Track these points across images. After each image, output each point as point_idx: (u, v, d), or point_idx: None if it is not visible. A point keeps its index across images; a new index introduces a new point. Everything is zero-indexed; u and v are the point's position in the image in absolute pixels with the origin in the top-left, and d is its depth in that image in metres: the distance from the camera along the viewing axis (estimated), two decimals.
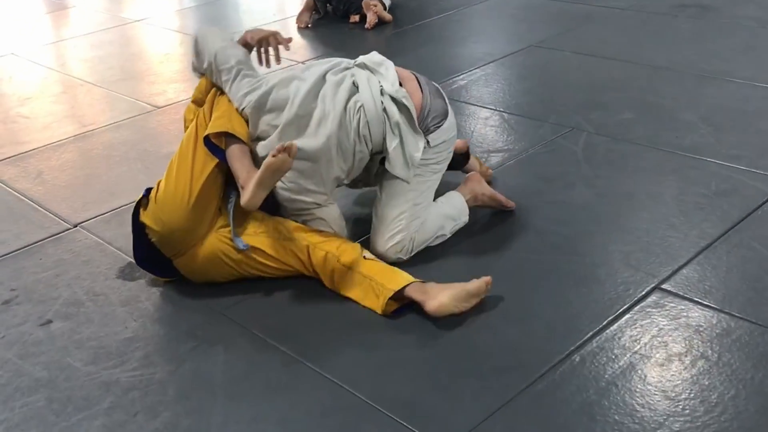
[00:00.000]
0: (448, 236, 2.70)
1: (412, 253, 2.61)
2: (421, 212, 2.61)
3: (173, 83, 4.47)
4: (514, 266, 2.56)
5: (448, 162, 2.69)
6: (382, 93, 2.53)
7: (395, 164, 2.54)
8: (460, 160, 2.93)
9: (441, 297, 2.31)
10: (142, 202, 2.55)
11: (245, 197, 2.38)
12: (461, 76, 4.16)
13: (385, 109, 2.52)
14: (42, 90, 4.58)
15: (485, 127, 3.58)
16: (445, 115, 2.61)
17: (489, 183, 2.93)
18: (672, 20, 4.74)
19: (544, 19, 5.01)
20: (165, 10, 6.16)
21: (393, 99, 2.52)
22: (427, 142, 2.56)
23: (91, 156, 3.63)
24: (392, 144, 2.52)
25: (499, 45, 4.63)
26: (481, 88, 4.01)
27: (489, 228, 2.78)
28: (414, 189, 2.59)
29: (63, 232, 2.98)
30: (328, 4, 5.51)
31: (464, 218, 2.74)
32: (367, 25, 5.13)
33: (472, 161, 3.02)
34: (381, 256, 2.54)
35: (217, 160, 2.48)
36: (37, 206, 3.19)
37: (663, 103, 3.62)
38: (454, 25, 5.14)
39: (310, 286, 2.55)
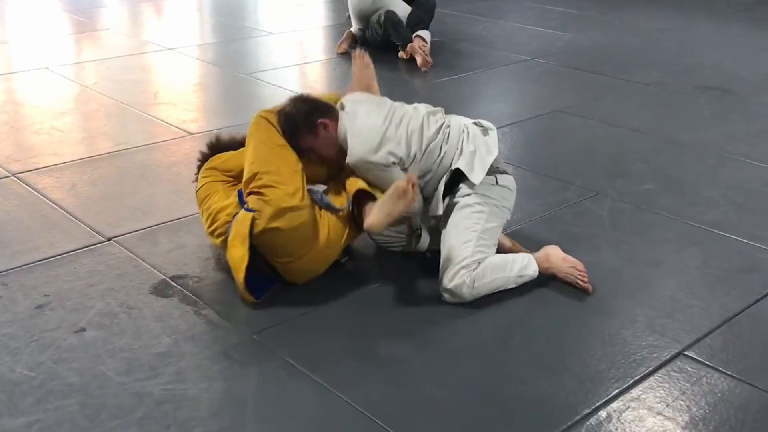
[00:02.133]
0: (514, 284, 2.75)
1: (478, 284, 2.65)
2: (487, 248, 2.71)
3: (206, 112, 4.56)
4: (544, 321, 2.61)
5: (506, 217, 2.86)
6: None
7: (469, 167, 2.75)
8: None
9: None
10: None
11: (370, 219, 2.59)
12: None
13: (467, 127, 2.87)
14: (76, 106, 4.67)
15: None
16: (509, 173, 2.92)
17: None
18: (694, 100, 4.88)
19: (569, 86, 5.15)
20: (192, 41, 6.29)
21: (477, 124, 2.93)
22: (496, 179, 2.78)
23: (124, 174, 3.69)
24: (469, 148, 2.79)
25: (525, 107, 4.76)
26: (506, 146, 4.11)
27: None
28: (478, 222, 2.73)
29: (97, 244, 3.03)
30: (366, 31, 5.70)
31: (532, 271, 2.78)
32: (423, 68, 5.36)
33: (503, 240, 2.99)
34: (450, 291, 2.66)
35: None
36: (71, 217, 3.24)
37: (685, 178, 3.72)
38: (481, 83, 5.28)
39: (344, 315, 2.61)
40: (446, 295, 2.67)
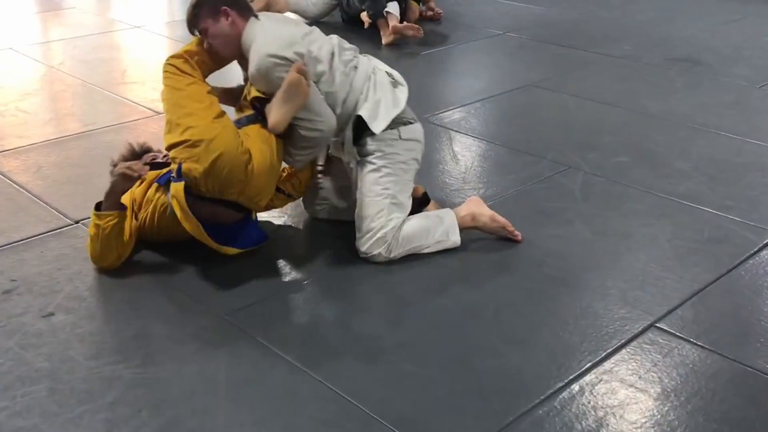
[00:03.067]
0: (432, 249, 2.79)
1: (394, 253, 2.73)
2: (400, 211, 2.75)
3: None
4: (516, 295, 2.61)
5: (414, 169, 2.85)
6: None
7: (372, 115, 2.74)
8: (415, 204, 2.92)
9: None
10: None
11: (272, 119, 2.61)
12: (459, 109, 4.24)
13: (376, 73, 2.84)
14: (42, 87, 4.59)
15: (483, 159, 3.66)
16: (417, 121, 2.87)
17: None
18: (665, 72, 4.88)
19: (541, 60, 5.13)
20: (159, 19, 6.20)
21: (389, 74, 2.89)
22: (399, 132, 2.78)
23: (92, 155, 3.63)
24: (374, 96, 2.77)
25: (497, 82, 4.74)
26: (479, 121, 4.10)
27: (488, 256, 2.84)
28: (388, 187, 2.75)
29: (64, 227, 2.98)
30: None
31: (454, 237, 2.83)
32: (384, 41, 5.37)
33: (431, 208, 3.01)
34: (365, 255, 2.73)
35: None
36: (37, 200, 3.19)
37: (657, 150, 3.73)
38: (453, 58, 5.25)
39: (315, 294, 2.60)
40: (362, 256, 2.76)
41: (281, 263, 2.79)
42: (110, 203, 2.63)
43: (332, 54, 2.74)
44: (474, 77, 4.93)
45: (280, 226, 3.01)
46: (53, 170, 3.47)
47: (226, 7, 2.67)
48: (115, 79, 4.67)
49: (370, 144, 2.77)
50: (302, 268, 2.76)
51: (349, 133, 2.78)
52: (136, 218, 2.75)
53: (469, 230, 2.87)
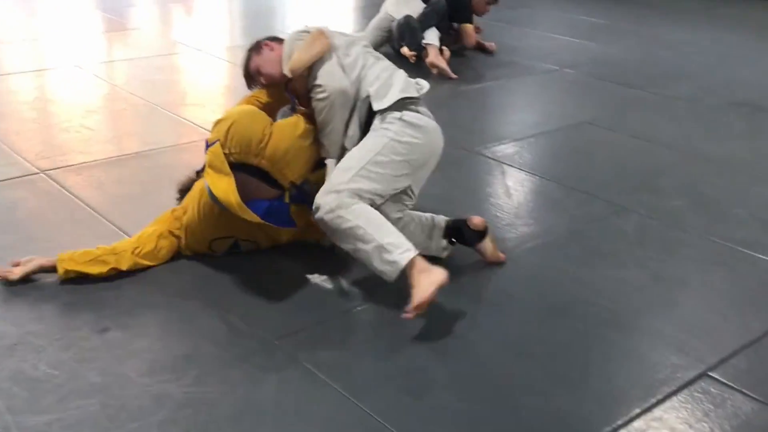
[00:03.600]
0: (370, 255, 2.60)
1: (337, 217, 2.64)
2: (366, 182, 2.69)
3: None
4: (566, 335, 2.59)
5: (407, 155, 2.77)
6: None
7: (376, 91, 2.84)
8: (473, 236, 2.91)
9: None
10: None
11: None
12: (513, 143, 4.24)
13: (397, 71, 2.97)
14: (105, 105, 4.71)
15: (536, 195, 3.65)
16: (431, 119, 2.89)
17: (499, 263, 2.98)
18: (725, 116, 4.83)
19: (598, 98, 5.12)
20: (221, 43, 6.33)
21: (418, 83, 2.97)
22: (401, 114, 2.80)
23: (151, 174, 3.71)
24: (388, 80, 2.87)
25: (552, 118, 4.73)
26: (532, 156, 4.09)
27: (540, 295, 2.82)
28: (368, 154, 2.75)
29: None
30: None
31: (400, 258, 2.54)
32: (433, 70, 5.37)
33: (487, 242, 2.94)
34: (315, 207, 2.72)
35: None
36: (97, 215, 3.26)
37: (714, 196, 3.68)
38: (508, 92, 5.27)
39: (364, 322, 2.61)
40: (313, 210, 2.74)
41: (332, 289, 2.81)
42: None
43: (353, 43, 2.96)
44: (528, 111, 4.94)
45: (330, 252, 3.03)
46: (113, 187, 3.56)
47: (267, 41, 3.11)
48: (176, 101, 4.78)
49: (374, 126, 2.85)
50: (352, 295, 2.77)
51: (355, 120, 2.87)
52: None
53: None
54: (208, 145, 2.82)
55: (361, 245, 2.62)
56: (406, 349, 2.49)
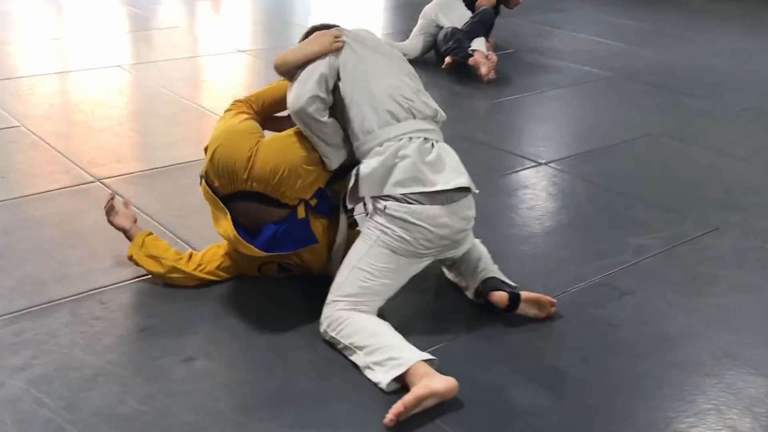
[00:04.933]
0: (363, 361, 2.27)
1: (328, 338, 2.38)
2: (363, 282, 2.37)
3: None
4: (676, 371, 2.40)
5: (402, 246, 2.37)
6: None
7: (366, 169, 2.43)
8: (501, 308, 2.56)
9: None
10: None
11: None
12: (580, 156, 4.06)
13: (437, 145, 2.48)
14: (153, 108, 4.53)
15: (619, 213, 3.45)
16: (439, 203, 2.36)
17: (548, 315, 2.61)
18: None
19: (659, 108, 4.92)
20: (262, 44, 6.14)
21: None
22: (384, 207, 2.37)
23: None
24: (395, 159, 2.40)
25: (615, 129, 4.53)
26: (602, 170, 3.90)
27: (646, 327, 2.63)
28: (358, 251, 2.41)
29: None
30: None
31: (398, 366, 2.18)
32: (486, 78, 5.16)
33: (523, 308, 2.56)
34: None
35: None
36: (162, 228, 3.08)
37: None
38: (563, 102, 5.07)
39: (462, 355, 2.41)
40: None
41: (425, 319, 2.62)
42: None
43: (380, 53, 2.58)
44: (589, 122, 4.73)
45: (420, 282, 2.84)
46: (175, 198, 3.37)
47: (316, 30, 2.69)
48: (224, 104, 4.57)
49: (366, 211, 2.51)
50: (445, 326, 2.57)
51: (350, 182, 2.50)
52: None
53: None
54: (201, 179, 2.64)
55: (350, 355, 2.33)
56: (515, 388, 2.30)
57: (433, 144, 2.46)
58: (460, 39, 5.37)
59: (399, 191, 2.35)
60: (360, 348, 2.28)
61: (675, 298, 2.78)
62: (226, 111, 2.80)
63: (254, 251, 2.46)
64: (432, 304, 2.70)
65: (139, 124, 4.22)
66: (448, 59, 5.38)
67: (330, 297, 2.40)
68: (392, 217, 2.36)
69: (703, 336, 2.57)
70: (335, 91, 2.51)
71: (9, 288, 2.65)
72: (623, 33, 6.84)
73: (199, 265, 2.69)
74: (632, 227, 3.32)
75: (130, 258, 2.69)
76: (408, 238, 2.36)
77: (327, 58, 2.50)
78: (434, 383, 2.13)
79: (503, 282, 2.58)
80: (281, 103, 2.74)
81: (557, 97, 5.10)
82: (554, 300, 2.60)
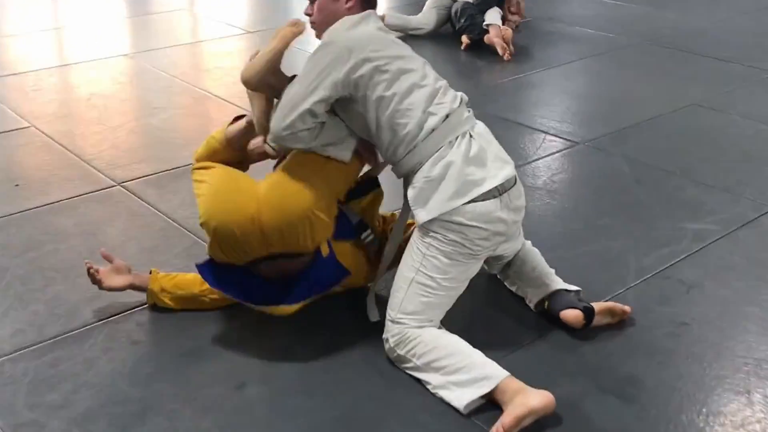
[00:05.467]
0: (444, 386, 2.10)
1: (395, 357, 2.20)
2: (424, 296, 2.19)
3: None
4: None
5: (451, 266, 2.20)
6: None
7: (417, 193, 2.22)
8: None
9: None
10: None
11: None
12: (620, 132, 3.87)
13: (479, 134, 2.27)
14: (170, 100, 4.32)
15: (669, 194, 3.26)
16: (493, 196, 2.18)
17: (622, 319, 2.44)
18: None
19: (697, 76, 4.71)
20: (269, 23, 5.90)
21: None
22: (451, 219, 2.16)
23: None
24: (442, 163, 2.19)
25: (654, 101, 4.33)
26: (645, 146, 3.71)
27: (719, 324, 2.47)
28: (416, 261, 2.21)
29: None
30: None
31: (486, 382, 2.05)
32: (506, 57, 4.93)
33: (598, 320, 2.39)
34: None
35: None
36: (191, 235, 2.90)
37: None
38: (590, 73, 4.86)
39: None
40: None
41: (484, 329, 2.43)
42: None
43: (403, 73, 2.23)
44: (621, 95, 4.49)
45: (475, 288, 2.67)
46: None
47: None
48: (244, 94, 4.36)
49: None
50: (506, 336, 2.40)
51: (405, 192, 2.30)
52: None
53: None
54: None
55: (429, 379, 2.15)
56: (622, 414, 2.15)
57: (470, 135, 2.26)
58: (472, 14, 5.16)
59: (459, 202, 2.16)
60: (438, 368, 2.11)
61: (746, 289, 2.61)
62: (193, 178, 2.43)
63: (287, 311, 2.31)
64: (489, 312, 2.52)
65: (156, 118, 4.02)
66: (464, 39, 5.18)
67: (392, 314, 2.22)
68: (444, 221, 2.18)
69: None
70: (348, 102, 2.25)
71: (38, 313, 2.48)
72: None
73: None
74: (687, 210, 3.14)
75: (153, 304, 2.48)
76: (463, 241, 2.19)
77: (330, 78, 2.18)
78: (531, 400, 1.98)
79: (569, 292, 2.40)
80: (247, 133, 2.45)
81: (583, 69, 4.89)
82: (627, 308, 2.43)
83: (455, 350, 2.13)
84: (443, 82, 2.33)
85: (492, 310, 2.52)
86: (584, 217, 3.09)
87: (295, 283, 2.31)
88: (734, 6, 6.27)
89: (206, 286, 2.41)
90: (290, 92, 2.22)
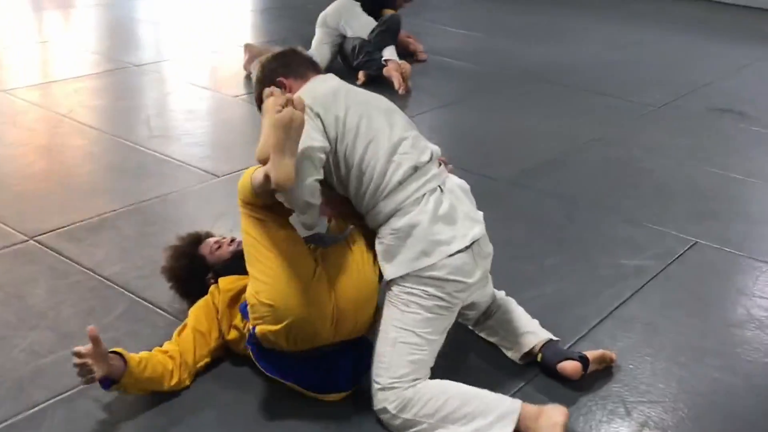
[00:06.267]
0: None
1: (400, 424, 2.11)
2: (414, 353, 2.13)
3: (222, 147, 4.02)
4: None
5: (432, 321, 2.17)
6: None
7: (385, 249, 2.19)
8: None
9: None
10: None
11: (272, 173, 1.97)
12: (533, 170, 3.95)
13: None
14: (64, 142, 3.99)
15: (599, 227, 3.36)
16: (458, 261, 2.16)
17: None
18: (719, 124, 4.74)
19: (588, 110, 4.89)
20: (151, 57, 5.65)
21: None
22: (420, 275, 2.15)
23: (148, 233, 3.11)
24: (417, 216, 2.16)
25: (555, 137, 4.44)
26: (566, 184, 3.81)
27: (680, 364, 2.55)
28: (398, 318, 2.16)
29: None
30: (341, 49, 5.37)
31: (509, 418, 2.05)
32: (401, 90, 4.98)
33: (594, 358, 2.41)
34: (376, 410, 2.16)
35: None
36: (128, 293, 2.68)
37: None
38: (487, 111, 4.93)
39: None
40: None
41: (472, 374, 2.40)
42: None
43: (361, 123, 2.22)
44: (528, 131, 4.49)
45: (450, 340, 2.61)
46: (133, 253, 2.97)
47: (281, 78, 2.38)
48: (141, 130, 4.13)
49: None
50: (497, 379, 2.37)
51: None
52: (220, 332, 2.35)
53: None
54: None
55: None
56: None
57: (441, 189, 2.25)
58: (370, 51, 5.20)
59: (425, 263, 2.13)
60: (456, 419, 2.05)
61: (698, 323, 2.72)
62: (247, 215, 2.19)
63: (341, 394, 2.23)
64: (471, 361, 2.49)
65: (56, 162, 3.72)
66: (361, 75, 5.18)
67: (383, 381, 2.12)
68: (419, 277, 2.15)
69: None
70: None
71: None
72: (514, 30, 6.82)
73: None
74: (623, 247, 3.22)
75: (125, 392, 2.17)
76: (442, 294, 2.16)
77: (313, 152, 2.10)
78: (555, 417, 2.05)
79: (556, 342, 2.41)
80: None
81: (480, 105, 4.96)
82: (613, 354, 2.46)
83: (465, 396, 2.09)
84: (412, 130, 2.30)
85: (468, 357, 2.49)
86: (531, 258, 3.11)
87: (342, 367, 2.23)
88: (598, 41, 6.59)
89: (175, 381, 2.21)
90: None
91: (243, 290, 2.31)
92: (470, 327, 2.55)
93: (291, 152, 1.99)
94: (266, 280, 2.11)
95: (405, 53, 5.58)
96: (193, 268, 2.49)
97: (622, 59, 6.09)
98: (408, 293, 2.15)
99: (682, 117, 4.85)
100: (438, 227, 2.16)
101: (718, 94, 5.29)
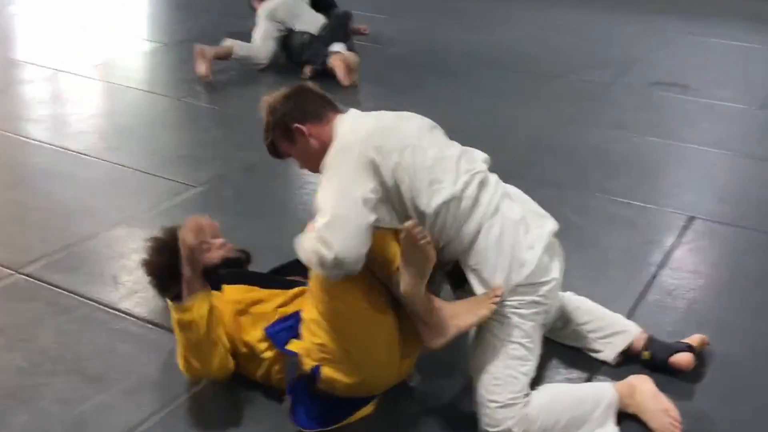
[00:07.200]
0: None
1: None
2: (517, 370, 2.09)
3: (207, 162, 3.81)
4: None
5: (533, 329, 2.13)
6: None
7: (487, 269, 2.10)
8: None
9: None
10: None
11: (403, 286, 1.99)
12: (527, 155, 3.91)
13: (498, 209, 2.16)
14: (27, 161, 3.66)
15: (602, 211, 3.37)
16: (543, 262, 2.13)
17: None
18: (665, 97, 4.82)
19: (544, 93, 4.87)
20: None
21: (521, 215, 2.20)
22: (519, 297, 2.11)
23: (104, 256, 2.91)
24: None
25: (533, 120, 4.40)
26: (557, 168, 3.78)
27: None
28: (505, 341, 2.11)
29: None
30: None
31: (611, 405, 2.10)
32: (346, 82, 4.87)
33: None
34: None
35: None
36: (148, 326, 2.48)
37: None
38: (446, 99, 4.85)
39: None
40: None
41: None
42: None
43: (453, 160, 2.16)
44: (506, 119, 4.47)
45: None
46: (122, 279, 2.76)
47: (297, 125, 2.23)
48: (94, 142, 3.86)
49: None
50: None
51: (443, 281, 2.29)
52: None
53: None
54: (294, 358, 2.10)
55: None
56: None
57: (502, 195, 2.20)
58: (317, 46, 5.08)
59: (524, 272, 2.09)
60: (579, 423, 2.08)
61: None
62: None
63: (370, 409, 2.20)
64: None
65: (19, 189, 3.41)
66: (307, 69, 5.04)
67: (501, 398, 2.06)
68: (515, 286, 2.09)
69: None
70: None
71: None
72: (456, 16, 6.67)
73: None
74: (632, 230, 3.23)
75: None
76: (537, 298, 2.12)
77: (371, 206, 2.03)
78: (648, 387, 2.14)
79: (652, 337, 2.39)
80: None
81: (439, 95, 4.82)
82: (707, 337, 2.44)
83: (574, 398, 2.12)
84: (452, 145, 2.27)
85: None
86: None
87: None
88: (519, 26, 6.50)
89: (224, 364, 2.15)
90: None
91: (252, 304, 2.22)
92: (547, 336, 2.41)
93: (415, 269, 1.99)
94: (358, 359, 2.06)
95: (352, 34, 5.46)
96: (175, 265, 2.27)
97: (549, 41, 6.04)
98: (505, 306, 2.09)
99: (633, 93, 4.91)
100: (520, 233, 2.13)
101: (655, 69, 5.36)
